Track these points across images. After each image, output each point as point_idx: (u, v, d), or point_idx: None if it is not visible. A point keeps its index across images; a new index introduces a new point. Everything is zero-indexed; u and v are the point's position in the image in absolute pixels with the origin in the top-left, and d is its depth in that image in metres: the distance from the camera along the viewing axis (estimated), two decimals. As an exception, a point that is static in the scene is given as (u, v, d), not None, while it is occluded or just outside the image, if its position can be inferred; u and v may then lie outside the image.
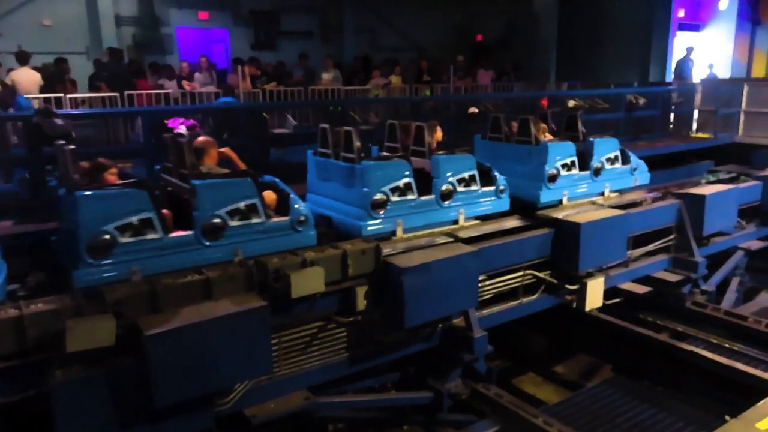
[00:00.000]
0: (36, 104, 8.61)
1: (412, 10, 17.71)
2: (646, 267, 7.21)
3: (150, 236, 4.24)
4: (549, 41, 18.13)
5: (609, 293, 6.65)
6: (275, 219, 4.76)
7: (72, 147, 4.53)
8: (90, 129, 8.27)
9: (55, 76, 10.37)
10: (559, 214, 6.32)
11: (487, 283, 5.76)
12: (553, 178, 6.57)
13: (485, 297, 5.75)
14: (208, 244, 4.46)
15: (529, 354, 7.85)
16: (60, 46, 12.24)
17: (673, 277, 7.26)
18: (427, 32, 18.24)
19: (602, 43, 17.43)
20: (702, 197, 7.29)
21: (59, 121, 6.41)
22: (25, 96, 8.79)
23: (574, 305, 6.37)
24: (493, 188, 6.12)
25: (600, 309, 6.64)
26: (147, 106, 9.91)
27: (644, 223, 7.03)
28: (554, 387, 7.18)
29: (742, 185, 8.24)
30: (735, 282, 8.36)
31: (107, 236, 4.08)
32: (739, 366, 5.93)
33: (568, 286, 6.30)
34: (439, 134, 6.49)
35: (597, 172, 7.04)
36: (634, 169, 7.52)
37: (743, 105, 12.70)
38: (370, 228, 5.33)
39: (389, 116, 11.22)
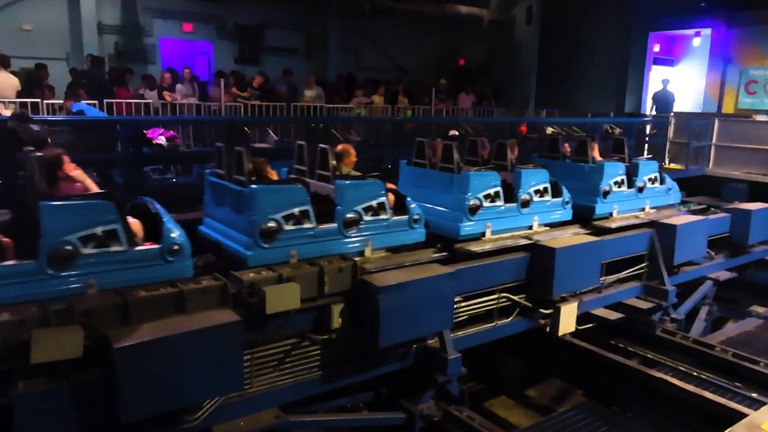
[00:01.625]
0: (11, 109, 8.47)
1: (397, 31, 17.91)
2: (619, 293, 7.29)
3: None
4: (529, 69, 18.46)
5: (582, 318, 6.71)
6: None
7: (40, 154, 4.41)
8: (66, 136, 8.15)
9: (33, 81, 10.24)
10: (612, 224, 7.27)
11: (463, 304, 5.76)
12: (606, 194, 7.43)
13: (460, 318, 5.76)
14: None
15: (501, 377, 7.86)
16: (40, 51, 12.09)
17: (644, 305, 7.36)
18: (410, 54, 18.44)
19: (580, 73, 17.81)
20: (673, 227, 7.43)
21: (35, 127, 6.33)
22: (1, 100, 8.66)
23: (548, 329, 6.40)
24: (560, 199, 6.85)
25: (573, 334, 6.70)
26: (126, 115, 9.81)
27: (618, 250, 7.13)
28: (525, 411, 7.19)
29: (711, 216, 8.42)
30: (704, 311, 8.52)
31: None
32: (707, 394, 6.02)
33: (542, 310, 6.33)
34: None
35: (640, 190, 7.90)
36: (669, 189, 8.45)
37: (714, 139, 13.05)
38: (467, 229, 6.05)
39: (370, 135, 11.29)
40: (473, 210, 6.10)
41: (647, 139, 14.23)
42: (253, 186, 4.83)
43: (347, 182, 5.32)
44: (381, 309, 4.69)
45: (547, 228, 6.77)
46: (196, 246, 4.70)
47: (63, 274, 3.96)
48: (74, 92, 9.10)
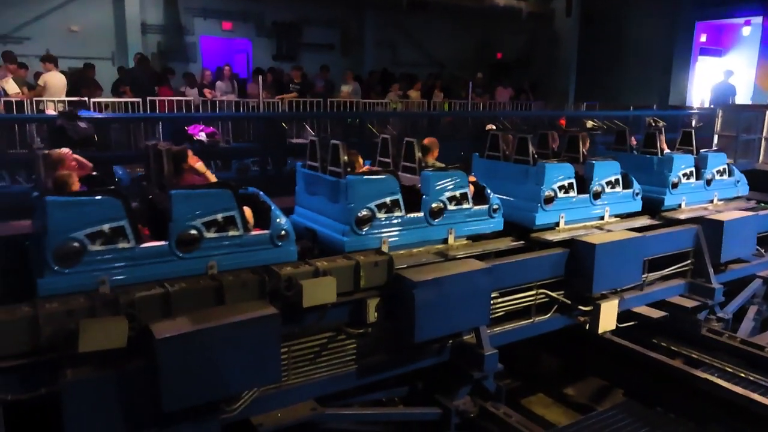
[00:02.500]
0: (60, 107, 8.75)
1: (433, 26, 17.82)
2: (662, 291, 7.11)
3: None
4: (569, 61, 18.14)
5: (623, 316, 6.57)
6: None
7: (45, 152, 4.62)
8: (111, 133, 8.38)
9: (81, 80, 10.55)
10: (680, 215, 7.41)
11: (500, 300, 5.71)
12: (675, 186, 7.57)
13: (497, 314, 5.71)
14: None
15: (539, 374, 7.76)
16: (87, 51, 12.46)
17: (688, 303, 7.15)
18: (447, 48, 18.33)
19: (622, 65, 17.39)
20: (720, 223, 7.20)
21: (82, 124, 6.53)
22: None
23: (587, 327, 6.30)
24: (631, 191, 6.97)
25: (613, 332, 6.56)
26: (168, 112, 10.02)
27: (661, 247, 6.95)
28: (564, 409, 7.09)
29: (761, 213, 8.12)
30: (752, 311, 8.22)
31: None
32: (755, 396, 5.82)
33: (581, 308, 6.23)
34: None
35: (708, 182, 7.96)
36: (737, 182, 8.45)
37: (764, 132, 12.58)
38: (542, 218, 6.25)
39: (406, 130, 11.29)
40: (548, 201, 6.32)
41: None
42: (350, 177, 5.18)
43: (434, 173, 5.58)
44: (417, 304, 4.69)
45: (618, 219, 6.91)
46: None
47: (189, 256, 4.31)
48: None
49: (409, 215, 5.38)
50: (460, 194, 5.65)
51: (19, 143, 8.29)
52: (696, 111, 14.54)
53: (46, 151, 4.69)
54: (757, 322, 8.25)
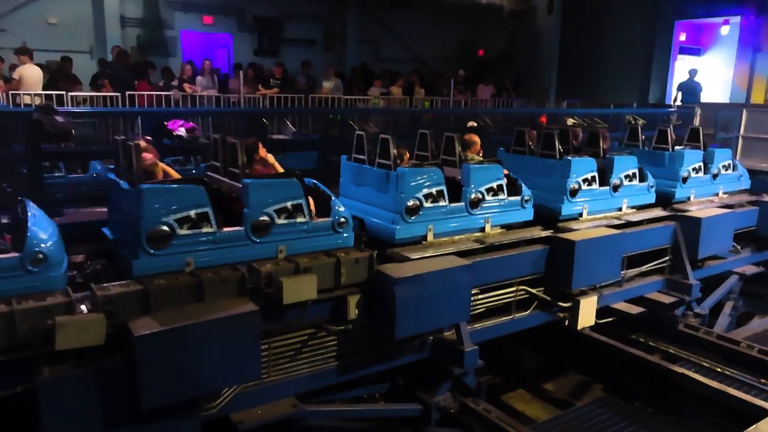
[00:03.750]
0: (37, 100, 8.61)
1: (416, 23, 17.82)
2: (640, 287, 7.20)
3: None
4: (550, 59, 18.26)
5: (602, 312, 6.64)
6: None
7: (138, 143, 4.70)
8: (89, 128, 8.26)
9: (60, 73, 10.39)
10: (691, 208, 7.81)
11: (480, 297, 5.75)
12: (685, 180, 8.04)
13: (477, 311, 5.74)
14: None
15: (519, 370, 7.82)
16: (64, 44, 12.27)
17: (666, 299, 7.25)
18: (429, 45, 18.35)
19: (603, 63, 17.55)
20: (698, 220, 7.30)
21: (60, 119, 6.42)
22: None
23: (567, 323, 6.36)
24: (646, 184, 7.46)
25: (592, 328, 6.63)
26: (148, 107, 9.91)
27: (639, 244, 7.03)
28: (543, 404, 7.15)
29: (738, 210, 8.26)
30: (728, 306, 8.36)
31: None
32: (731, 390, 5.91)
33: (560, 304, 6.29)
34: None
35: (715, 176, 8.41)
36: (740, 176, 8.92)
37: (741, 130, 12.76)
38: (567, 209, 6.66)
39: (388, 127, 11.28)
40: (573, 192, 6.70)
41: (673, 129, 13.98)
42: (401, 169, 5.54)
43: (474, 166, 5.94)
44: (398, 300, 4.69)
45: (635, 210, 7.38)
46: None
47: (261, 240, 4.58)
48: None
49: (452, 205, 5.72)
50: (497, 186, 6.03)
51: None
52: (675, 109, 14.71)
53: (132, 142, 4.78)
54: (733, 317, 8.40)
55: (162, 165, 5.30)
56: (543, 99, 17.46)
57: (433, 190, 5.59)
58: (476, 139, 6.89)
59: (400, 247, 5.42)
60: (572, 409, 6.35)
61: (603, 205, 7.06)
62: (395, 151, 5.71)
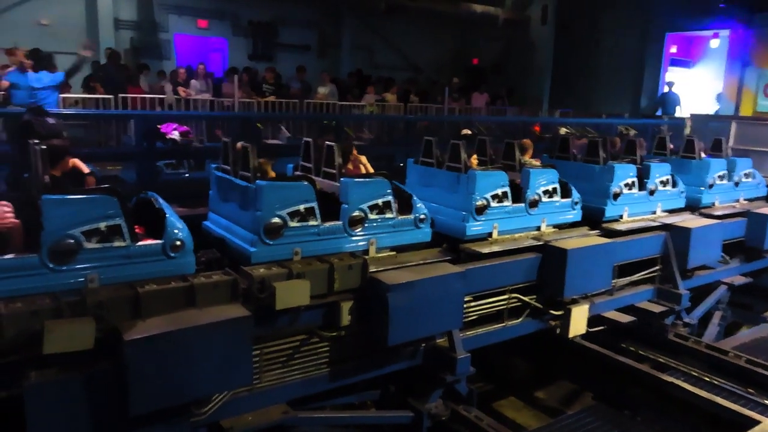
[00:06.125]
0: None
1: (411, 29, 17.87)
2: (631, 296, 7.23)
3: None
4: (544, 69, 18.36)
5: (593, 321, 6.65)
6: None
7: (44, 147, 4.44)
8: (80, 130, 8.21)
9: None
10: (717, 212, 8.34)
11: (473, 304, 5.74)
12: (711, 186, 8.70)
13: (470, 318, 5.74)
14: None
15: (510, 378, 7.82)
16: (56, 45, 12.16)
17: (656, 308, 7.28)
18: (424, 53, 18.40)
19: (596, 73, 17.68)
20: (688, 230, 7.35)
21: (51, 120, 6.36)
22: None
23: (558, 331, 6.37)
24: (678, 189, 8.08)
25: (583, 336, 6.64)
26: (141, 109, 9.86)
27: (630, 253, 7.07)
28: (534, 412, 7.15)
29: (727, 220, 8.32)
30: (717, 316, 8.41)
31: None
32: (719, 400, 5.94)
33: (552, 312, 6.30)
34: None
35: (737, 184, 9.10)
36: (759, 184, 9.62)
37: (731, 142, 12.89)
38: (611, 211, 7.22)
39: (383, 133, 11.30)
40: (616, 196, 7.22)
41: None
42: (472, 171, 6.05)
43: (534, 170, 6.49)
44: (390, 307, 4.68)
45: (667, 213, 7.89)
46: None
47: (355, 233, 5.15)
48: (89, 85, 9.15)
49: (513, 205, 6.24)
50: (553, 188, 6.55)
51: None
52: (666, 120, 14.84)
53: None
54: (721, 327, 8.45)
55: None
56: (536, 108, 17.54)
57: (499, 191, 6.11)
58: (531, 144, 7.50)
59: (469, 243, 5.87)
60: (563, 417, 6.35)
61: (641, 207, 7.61)
62: (465, 155, 6.18)
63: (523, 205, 6.34)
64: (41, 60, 8.84)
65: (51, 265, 3.88)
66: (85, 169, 5.04)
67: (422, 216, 5.55)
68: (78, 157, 5.11)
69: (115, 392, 3.68)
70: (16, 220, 4.15)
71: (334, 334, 4.81)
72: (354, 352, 4.99)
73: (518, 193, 6.36)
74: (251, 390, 4.45)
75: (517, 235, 6.30)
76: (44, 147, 4.48)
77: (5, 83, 8.64)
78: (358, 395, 5.53)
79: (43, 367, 3.57)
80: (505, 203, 6.18)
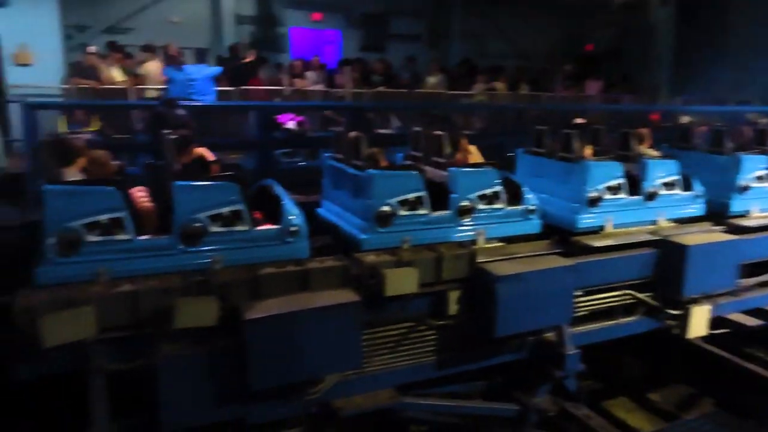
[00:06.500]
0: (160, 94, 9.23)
1: (521, 17, 17.43)
2: (759, 299, 6.69)
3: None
4: (664, 53, 17.23)
5: (715, 323, 6.23)
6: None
7: (174, 136, 4.85)
8: (206, 120, 8.74)
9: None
10: None
11: (583, 299, 5.57)
12: None
13: (580, 313, 5.57)
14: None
15: (622, 377, 7.51)
16: (185, 41, 13.01)
17: (789, 313, 6.71)
18: (534, 40, 17.88)
19: (724, 57, 16.33)
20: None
21: (180, 111, 6.85)
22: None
23: (676, 331, 6.03)
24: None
25: (703, 338, 6.25)
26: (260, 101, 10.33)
27: (759, 251, 6.53)
28: (648, 415, 6.83)
29: None
30: None
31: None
32: None
33: (669, 311, 5.97)
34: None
35: None
36: None
37: None
38: (737, 205, 6.63)
39: (492, 122, 11.15)
40: (744, 189, 6.77)
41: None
42: (585, 161, 5.94)
43: (653, 161, 6.29)
44: (498, 298, 4.66)
45: None
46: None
47: (464, 223, 5.19)
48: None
49: (630, 198, 6.01)
50: (672, 180, 6.26)
51: (123, 128, 8.89)
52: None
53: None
54: None
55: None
56: (655, 95, 16.53)
57: (613, 183, 5.90)
58: (649, 133, 7.16)
59: (581, 236, 5.69)
60: (679, 422, 6.05)
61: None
62: (578, 144, 6.03)
63: (639, 197, 6.06)
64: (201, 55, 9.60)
65: (181, 247, 4.21)
66: (211, 157, 5.38)
67: (532, 207, 5.48)
68: (203, 146, 5.47)
69: (236, 368, 3.93)
70: (151, 204, 4.55)
71: (442, 322, 4.85)
72: (460, 342, 5.01)
73: (635, 185, 6.08)
74: (360, 373, 4.59)
75: (632, 229, 6.02)
76: (174, 136, 4.87)
77: (162, 77, 9.43)
78: (463, 385, 5.55)
79: (172, 341, 3.89)
80: (620, 195, 5.94)
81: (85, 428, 3.78)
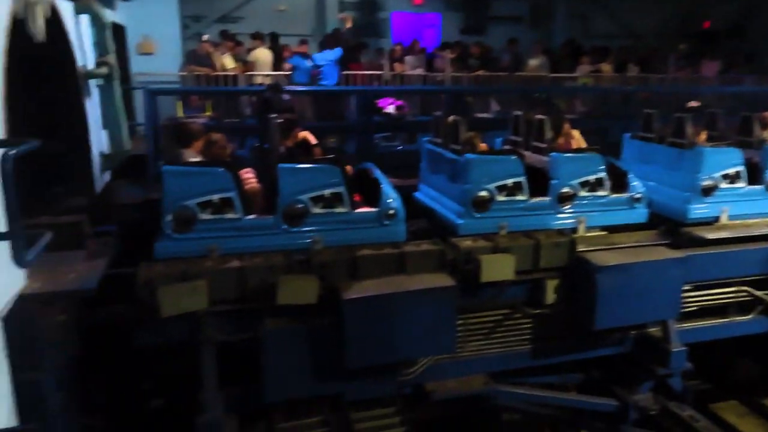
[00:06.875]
0: (267, 81, 9.59)
1: (631, -6, 16.51)
2: None
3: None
4: (796, 30, 15.75)
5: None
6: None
7: (279, 120, 5.01)
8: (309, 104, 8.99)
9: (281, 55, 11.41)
10: None
11: (692, 294, 5.29)
12: None
13: (688, 309, 5.29)
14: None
15: (733, 380, 7.04)
16: (291, 29, 13.42)
17: None
18: (645, 18, 16.87)
19: None
20: None
21: (286, 97, 7.09)
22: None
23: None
24: None
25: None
26: (361, 86, 10.48)
27: None
28: (761, 421, 6.37)
29: None
30: None
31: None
32: None
33: (792, 311, 5.54)
34: None
35: None
36: None
37: None
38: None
39: (597, 106, 10.69)
40: None
41: None
42: (698, 147, 5.61)
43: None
44: (599, 289, 4.52)
45: None
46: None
47: (564, 210, 5.08)
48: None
49: (748, 187, 5.60)
50: (735, 172, 5.65)
51: (233, 112, 9.33)
52: None
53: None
54: None
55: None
56: (784, 76, 15.15)
57: (731, 171, 5.51)
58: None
59: (692, 227, 5.37)
60: (797, 430, 5.60)
61: None
62: (691, 129, 5.73)
63: (761, 187, 5.63)
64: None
65: (284, 226, 4.39)
66: (313, 140, 5.54)
67: (638, 195, 5.24)
68: (306, 129, 5.64)
69: (334, 345, 4.07)
70: (258, 185, 4.77)
71: (538, 311, 4.78)
72: (557, 332, 4.92)
73: (756, 173, 5.63)
74: (454, 358, 4.62)
75: (751, 221, 5.60)
76: (280, 120, 5.06)
77: (288, 65, 10.16)
78: (558, 376, 5.44)
79: (275, 316, 4.08)
80: (739, 184, 5.54)
81: (196, 393, 4.05)
